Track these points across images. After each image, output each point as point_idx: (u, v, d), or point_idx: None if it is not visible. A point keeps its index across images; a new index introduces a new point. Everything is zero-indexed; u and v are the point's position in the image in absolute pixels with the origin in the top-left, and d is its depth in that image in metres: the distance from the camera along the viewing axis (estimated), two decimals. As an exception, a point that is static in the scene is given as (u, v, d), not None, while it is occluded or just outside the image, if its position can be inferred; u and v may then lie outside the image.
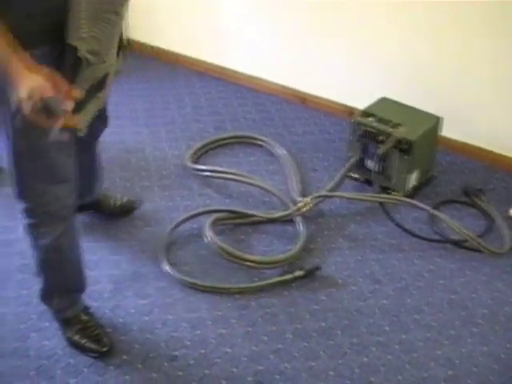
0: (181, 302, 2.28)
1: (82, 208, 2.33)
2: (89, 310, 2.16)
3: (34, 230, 1.93)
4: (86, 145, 2.14)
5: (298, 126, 3.28)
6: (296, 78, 3.43)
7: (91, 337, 2.09)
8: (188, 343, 2.12)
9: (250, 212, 2.63)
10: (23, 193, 1.85)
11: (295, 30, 3.32)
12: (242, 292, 2.32)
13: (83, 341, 2.08)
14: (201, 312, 2.24)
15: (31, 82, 1.50)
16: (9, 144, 1.74)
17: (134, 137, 3.17)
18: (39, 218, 1.90)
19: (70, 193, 1.89)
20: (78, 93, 1.56)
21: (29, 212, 1.89)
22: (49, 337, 2.14)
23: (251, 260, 2.40)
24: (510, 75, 2.82)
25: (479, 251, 2.51)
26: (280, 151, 3.02)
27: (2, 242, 2.52)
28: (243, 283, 2.35)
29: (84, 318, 2.12)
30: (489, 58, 2.82)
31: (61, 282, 2.09)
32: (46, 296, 2.10)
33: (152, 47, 3.87)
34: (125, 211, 2.64)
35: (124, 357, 2.07)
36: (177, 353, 2.09)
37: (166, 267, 2.38)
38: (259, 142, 3.11)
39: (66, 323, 2.12)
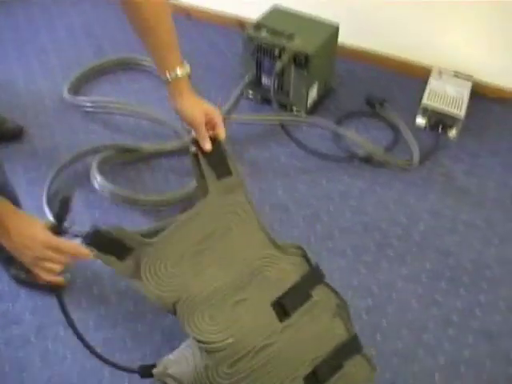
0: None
1: None
2: None
3: None
4: None
5: (185, 43, 2.94)
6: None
7: None
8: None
9: (139, 146, 2.37)
10: None
11: None
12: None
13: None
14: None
15: None
16: None
17: (3, 70, 2.81)
18: None
19: None
20: None
21: None
22: None
23: (147, 201, 2.19)
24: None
25: (388, 166, 2.39)
26: (168, 74, 2.74)
27: None
28: (141, 227, 2.14)
29: None
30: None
31: None
32: None
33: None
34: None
35: None
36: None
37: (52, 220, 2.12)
38: (145, 67, 2.81)
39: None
